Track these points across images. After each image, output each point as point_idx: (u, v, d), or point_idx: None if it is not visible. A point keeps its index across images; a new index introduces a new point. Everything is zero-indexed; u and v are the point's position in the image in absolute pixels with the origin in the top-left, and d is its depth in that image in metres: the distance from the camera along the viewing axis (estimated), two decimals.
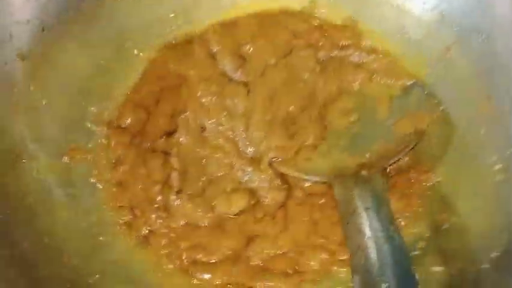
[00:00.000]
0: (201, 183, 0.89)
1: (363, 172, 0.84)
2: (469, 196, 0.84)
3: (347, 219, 0.78)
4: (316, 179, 0.88)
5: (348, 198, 0.80)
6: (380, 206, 0.78)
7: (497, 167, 0.82)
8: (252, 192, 0.89)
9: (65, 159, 0.89)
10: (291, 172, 0.89)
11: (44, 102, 0.89)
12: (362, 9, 1.01)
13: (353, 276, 0.73)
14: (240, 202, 0.88)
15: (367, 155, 0.88)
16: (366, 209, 0.77)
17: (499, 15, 0.88)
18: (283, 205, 0.89)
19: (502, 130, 0.85)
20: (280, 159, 0.90)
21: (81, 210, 0.86)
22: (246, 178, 0.90)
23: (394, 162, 0.88)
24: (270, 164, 0.90)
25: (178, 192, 0.87)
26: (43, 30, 0.90)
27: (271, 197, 0.89)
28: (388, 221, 0.76)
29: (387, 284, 0.70)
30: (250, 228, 0.87)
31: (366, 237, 0.75)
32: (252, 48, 0.99)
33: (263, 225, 0.87)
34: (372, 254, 0.73)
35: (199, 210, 0.87)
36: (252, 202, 0.89)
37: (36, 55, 0.89)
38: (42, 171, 0.86)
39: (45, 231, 0.80)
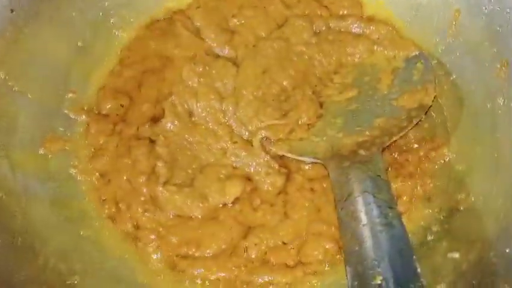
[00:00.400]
0: (191, 171, 0.82)
1: (361, 151, 0.76)
2: (487, 174, 0.76)
3: (341, 205, 0.71)
4: (311, 159, 0.80)
5: (344, 180, 0.73)
6: (379, 188, 0.70)
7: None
8: (248, 178, 0.82)
9: (42, 150, 0.81)
10: (283, 152, 0.82)
11: (16, 89, 0.82)
12: None
13: (345, 268, 0.66)
14: (235, 189, 0.80)
15: (366, 133, 0.80)
16: (363, 192, 0.70)
17: None
18: (282, 191, 0.81)
19: None
20: (272, 139, 0.82)
21: (59, 204, 0.79)
22: (240, 163, 0.82)
23: (395, 140, 0.80)
24: (262, 145, 0.82)
25: (166, 182, 0.79)
26: (12, 11, 0.82)
27: (269, 182, 0.81)
28: (387, 206, 0.68)
29: (381, 277, 0.62)
30: (248, 218, 0.79)
31: (361, 223, 0.67)
32: (240, 21, 0.92)
33: (261, 213, 0.79)
34: (368, 242, 0.66)
35: (190, 201, 0.79)
36: (249, 189, 0.81)
37: (5, 39, 0.81)
38: (16, 165, 0.78)
39: (19, 231, 0.73)
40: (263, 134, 0.82)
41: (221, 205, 0.80)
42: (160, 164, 0.80)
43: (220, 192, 0.79)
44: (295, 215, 0.79)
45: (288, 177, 0.82)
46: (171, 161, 0.81)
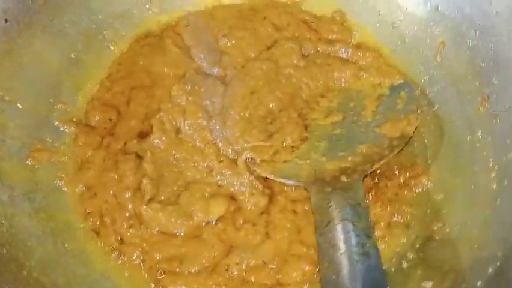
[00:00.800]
0: (176, 187, 0.83)
1: (343, 178, 0.78)
2: (464, 205, 0.78)
3: (321, 231, 0.72)
4: (293, 182, 0.82)
5: (324, 207, 0.74)
6: (359, 216, 0.72)
7: (493, 173, 0.77)
8: (232, 197, 0.83)
9: (29, 161, 0.82)
10: (267, 174, 0.83)
11: (7, 98, 0.82)
12: (352, 2, 0.97)
13: None
14: (219, 208, 0.81)
15: (349, 158, 0.81)
16: (343, 220, 0.71)
17: (494, 10, 0.82)
18: (265, 211, 0.83)
19: (500, 133, 0.79)
20: (256, 160, 0.84)
21: (45, 216, 0.80)
22: (225, 182, 0.84)
23: (376, 169, 0.82)
24: (247, 165, 0.84)
25: (151, 199, 0.81)
26: (6, 21, 0.83)
27: (253, 202, 0.82)
28: (365, 235, 0.70)
29: None
30: (230, 237, 0.81)
31: (339, 252, 0.69)
32: (230, 41, 0.93)
33: (244, 233, 0.81)
34: (344, 271, 0.68)
35: (174, 219, 0.80)
36: (232, 208, 0.82)
37: None
38: (3, 175, 0.79)
39: (4, 242, 0.73)
40: (248, 155, 0.83)
41: (204, 223, 0.81)
42: (145, 181, 0.81)
43: (205, 210, 0.81)
44: (277, 236, 0.80)
45: (271, 198, 0.83)
46: (157, 177, 0.82)
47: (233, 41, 0.93)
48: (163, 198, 0.82)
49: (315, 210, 0.75)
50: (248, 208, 0.83)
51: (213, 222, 0.81)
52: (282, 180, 0.82)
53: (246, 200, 0.83)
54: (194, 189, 0.82)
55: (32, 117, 0.85)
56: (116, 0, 0.95)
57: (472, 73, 0.84)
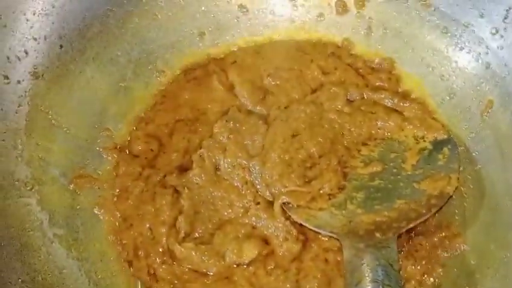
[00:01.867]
0: (211, 226, 0.84)
1: (378, 234, 0.78)
2: (496, 274, 0.77)
3: None
4: (326, 232, 0.81)
5: (356, 264, 0.73)
6: (390, 279, 0.71)
7: None
8: (265, 241, 0.83)
9: (71, 186, 0.84)
10: (301, 221, 0.82)
11: (55, 123, 0.85)
12: (402, 52, 0.96)
13: None
14: (252, 251, 0.81)
15: (385, 213, 0.81)
16: (374, 281, 0.71)
17: None
18: (297, 258, 0.82)
19: None
20: (292, 204, 0.83)
21: (82, 243, 0.82)
22: (260, 224, 0.84)
23: (411, 228, 0.81)
24: (282, 209, 0.83)
25: (186, 236, 0.82)
26: (61, 47, 0.86)
27: (286, 248, 0.82)
28: None
29: None
30: (260, 281, 0.81)
31: None
32: (275, 81, 0.94)
33: (274, 278, 0.81)
34: None
35: (207, 258, 0.81)
36: (265, 252, 0.82)
37: (52, 74, 0.85)
38: (45, 200, 0.81)
39: (40, 269, 0.75)
40: (285, 199, 0.83)
41: (236, 265, 0.82)
42: (181, 218, 0.82)
43: (237, 252, 0.81)
44: (307, 285, 0.80)
45: (305, 244, 0.83)
46: (193, 215, 0.83)
47: (278, 82, 0.94)
48: (197, 235, 0.83)
49: (347, 266, 0.75)
50: (280, 253, 0.82)
51: (245, 265, 0.82)
52: (316, 229, 0.82)
53: (280, 245, 0.82)
54: (228, 229, 0.83)
55: (77, 143, 0.87)
56: (169, 31, 0.96)
57: None
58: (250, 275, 0.81)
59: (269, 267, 0.82)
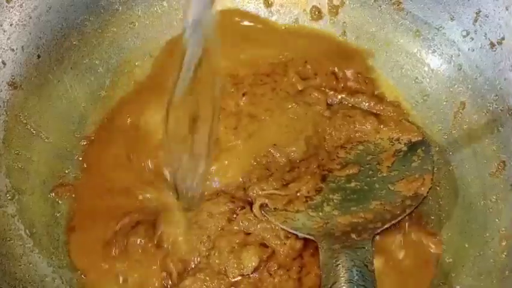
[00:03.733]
0: (203, 247, 0.82)
1: (353, 235, 0.79)
2: (471, 271, 0.78)
3: None
4: (303, 234, 0.82)
5: (332, 265, 0.75)
6: (364, 280, 0.72)
7: (504, 242, 0.77)
8: (263, 244, 0.83)
9: (51, 195, 0.85)
10: (278, 223, 0.82)
11: (34, 132, 0.85)
12: (377, 55, 0.98)
13: None
14: (252, 259, 0.80)
15: (361, 214, 0.82)
16: (349, 282, 0.72)
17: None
18: (299, 256, 0.83)
19: None
20: (270, 207, 0.84)
21: (63, 252, 0.82)
22: (253, 228, 0.83)
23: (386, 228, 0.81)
24: (261, 212, 0.84)
25: (181, 274, 0.81)
26: (39, 57, 0.86)
27: (289, 246, 0.82)
28: None
29: None
30: (265, 284, 0.81)
31: None
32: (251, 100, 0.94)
33: (277, 279, 0.80)
34: None
35: (210, 283, 0.79)
36: (265, 256, 0.81)
37: (30, 84, 0.85)
38: (25, 209, 0.81)
39: (21, 278, 0.75)
40: (263, 201, 0.84)
41: (241, 276, 0.81)
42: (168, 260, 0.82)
43: (238, 265, 0.80)
44: (309, 282, 0.80)
45: (306, 240, 0.83)
46: (177, 250, 0.82)
47: (253, 100, 0.94)
48: (193, 265, 0.82)
49: (323, 267, 0.76)
50: (282, 252, 0.82)
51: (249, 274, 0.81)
52: (293, 231, 0.82)
53: (281, 244, 0.82)
54: (222, 244, 0.82)
55: (56, 152, 0.87)
56: (147, 39, 0.97)
57: (489, 137, 0.85)
58: (256, 281, 0.81)
59: (273, 269, 0.81)
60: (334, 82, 0.96)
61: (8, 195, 0.80)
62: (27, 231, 0.80)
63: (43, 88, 0.87)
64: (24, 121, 0.85)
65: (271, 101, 0.93)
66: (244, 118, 0.91)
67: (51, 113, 0.88)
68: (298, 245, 0.82)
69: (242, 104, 0.93)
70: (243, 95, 0.94)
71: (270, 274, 0.81)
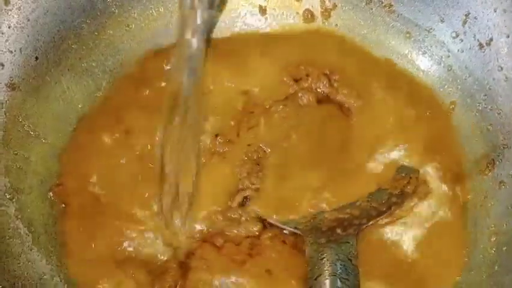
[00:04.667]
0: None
1: (339, 230, 0.81)
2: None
3: (310, 283, 0.75)
4: (291, 228, 0.83)
5: (317, 259, 0.77)
6: (348, 274, 0.74)
7: (493, 238, 0.79)
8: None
9: (49, 194, 0.86)
10: (265, 216, 0.84)
11: (33, 133, 0.87)
12: None
13: None
14: None
15: (347, 210, 0.84)
16: (332, 275, 0.74)
17: (504, 76, 0.86)
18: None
19: (503, 198, 0.82)
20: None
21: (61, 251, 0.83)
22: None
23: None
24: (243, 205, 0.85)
25: None
26: (37, 59, 0.88)
27: (244, 227, 0.84)
28: None
29: None
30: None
31: None
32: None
33: (225, 252, 0.82)
34: None
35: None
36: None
37: (28, 85, 0.87)
38: (23, 208, 0.82)
39: (20, 276, 0.77)
40: (247, 194, 0.86)
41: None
42: None
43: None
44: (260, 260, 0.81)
45: (265, 224, 0.84)
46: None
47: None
48: None
49: (308, 260, 0.78)
50: (236, 232, 0.84)
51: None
52: (280, 225, 0.84)
53: (238, 226, 0.84)
54: None
55: (54, 152, 0.88)
56: (143, 41, 0.98)
57: (479, 135, 0.87)
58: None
59: (219, 244, 0.82)
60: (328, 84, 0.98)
61: (6, 195, 0.82)
62: (25, 229, 0.81)
63: (41, 89, 0.88)
64: (23, 122, 0.86)
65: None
66: None
67: (49, 114, 0.89)
68: (259, 226, 0.83)
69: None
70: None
71: (218, 250, 0.81)
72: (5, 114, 0.84)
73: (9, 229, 0.80)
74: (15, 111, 0.85)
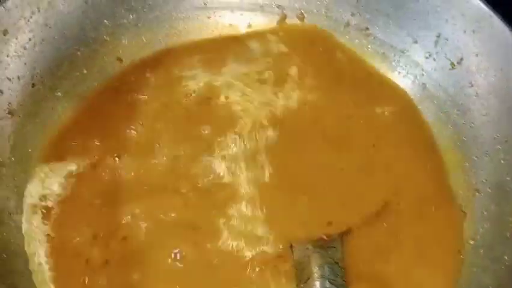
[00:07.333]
0: None
1: (325, 237, 0.85)
2: None
3: (301, 285, 0.80)
4: None
5: (305, 263, 0.81)
6: (335, 275, 0.79)
7: (471, 242, 0.84)
8: None
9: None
10: None
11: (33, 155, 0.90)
12: None
13: None
14: None
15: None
16: (321, 277, 0.79)
17: (475, 92, 0.91)
18: None
19: (477, 205, 0.87)
20: None
21: None
22: None
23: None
24: None
25: None
26: (33, 86, 0.91)
27: None
28: None
29: None
30: None
31: None
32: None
33: None
34: None
35: None
36: None
37: (25, 111, 0.90)
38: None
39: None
40: None
41: None
42: None
43: None
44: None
45: None
46: None
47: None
48: None
49: (297, 265, 0.82)
50: None
51: None
52: None
53: None
54: None
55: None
56: (133, 66, 1.03)
57: (453, 147, 0.93)
58: None
59: None
60: None
61: (17, 213, 0.85)
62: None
63: (38, 115, 0.92)
64: (22, 146, 0.89)
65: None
66: None
67: (46, 139, 0.92)
68: None
69: None
70: None
71: None
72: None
73: (13, 245, 0.83)
74: (13, 136, 0.89)
